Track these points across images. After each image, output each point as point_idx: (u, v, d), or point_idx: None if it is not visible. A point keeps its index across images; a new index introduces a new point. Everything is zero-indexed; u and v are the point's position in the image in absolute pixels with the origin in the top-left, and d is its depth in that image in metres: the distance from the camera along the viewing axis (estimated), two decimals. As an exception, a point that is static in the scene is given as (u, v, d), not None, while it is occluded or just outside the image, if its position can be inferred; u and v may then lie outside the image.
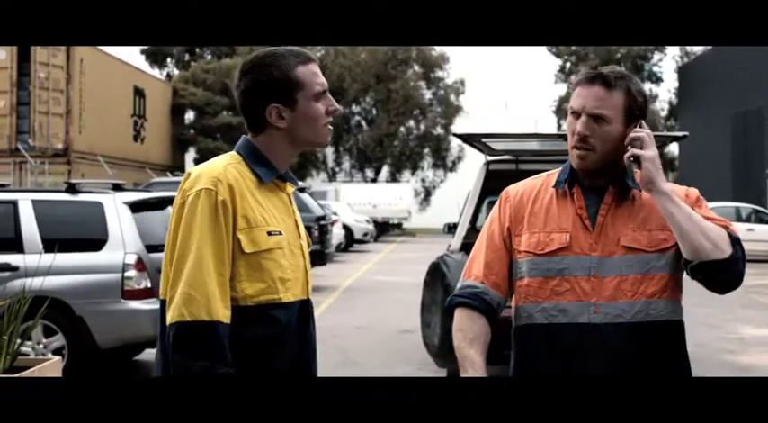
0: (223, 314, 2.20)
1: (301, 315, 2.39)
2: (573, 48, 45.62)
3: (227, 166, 2.32)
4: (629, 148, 2.35)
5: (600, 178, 2.44)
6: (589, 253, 2.39)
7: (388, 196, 39.65)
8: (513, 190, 2.59)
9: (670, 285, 2.39)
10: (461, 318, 2.49)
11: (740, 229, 21.80)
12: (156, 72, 43.23)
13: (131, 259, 7.58)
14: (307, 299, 2.43)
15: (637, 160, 2.34)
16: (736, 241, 2.30)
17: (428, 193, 48.32)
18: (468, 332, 2.45)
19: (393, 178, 47.05)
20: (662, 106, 47.68)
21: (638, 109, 2.41)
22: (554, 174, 2.56)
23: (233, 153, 2.40)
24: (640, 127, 2.39)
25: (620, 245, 2.38)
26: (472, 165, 13.93)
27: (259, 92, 2.34)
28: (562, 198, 2.48)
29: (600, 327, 2.36)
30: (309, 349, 2.44)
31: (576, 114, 2.40)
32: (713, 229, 2.28)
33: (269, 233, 2.30)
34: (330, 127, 2.43)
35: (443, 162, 47.95)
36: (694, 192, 2.46)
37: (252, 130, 2.40)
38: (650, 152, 2.32)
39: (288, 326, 2.34)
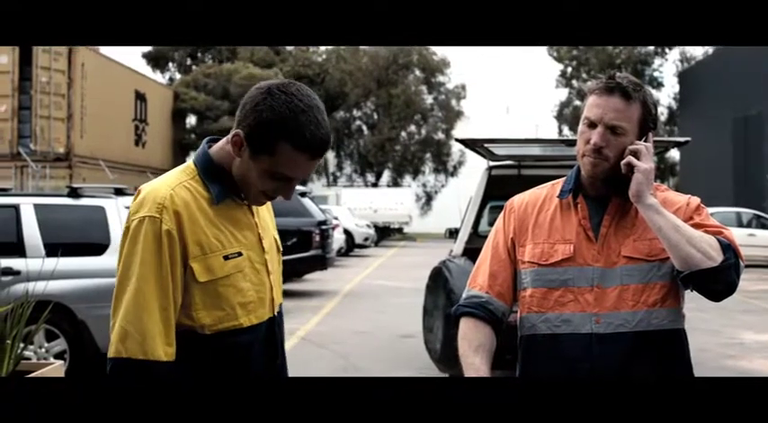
0: (163, 352, 2.06)
1: (268, 334, 2.27)
2: (574, 52, 45.64)
3: (176, 187, 2.14)
4: (626, 157, 2.35)
5: (605, 187, 2.43)
6: (592, 264, 2.40)
7: (389, 201, 39.68)
8: (518, 200, 2.60)
9: (671, 294, 2.39)
10: (466, 327, 2.50)
11: (741, 234, 21.94)
12: (157, 76, 43.34)
13: (133, 264, 7.57)
14: (273, 316, 2.29)
15: (632, 170, 2.33)
16: (727, 248, 2.27)
17: (429, 198, 48.38)
18: (473, 340, 2.47)
19: (394, 183, 47.10)
20: (662, 111, 47.68)
21: (651, 121, 2.42)
22: (558, 183, 2.56)
23: (189, 165, 2.23)
24: (646, 140, 2.39)
25: (622, 255, 2.39)
26: (473, 169, 13.94)
27: (251, 111, 2.10)
28: (566, 208, 2.49)
29: (602, 337, 2.36)
30: (277, 366, 2.32)
31: (592, 124, 2.38)
32: (702, 237, 2.26)
33: (225, 257, 2.15)
34: (266, 200, 2.25)
35: (444, 167, 48.00)
36: (695, 200, 2.46)
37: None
38: (645, 165, 2.32)
39: (251, 349, 2.21)
